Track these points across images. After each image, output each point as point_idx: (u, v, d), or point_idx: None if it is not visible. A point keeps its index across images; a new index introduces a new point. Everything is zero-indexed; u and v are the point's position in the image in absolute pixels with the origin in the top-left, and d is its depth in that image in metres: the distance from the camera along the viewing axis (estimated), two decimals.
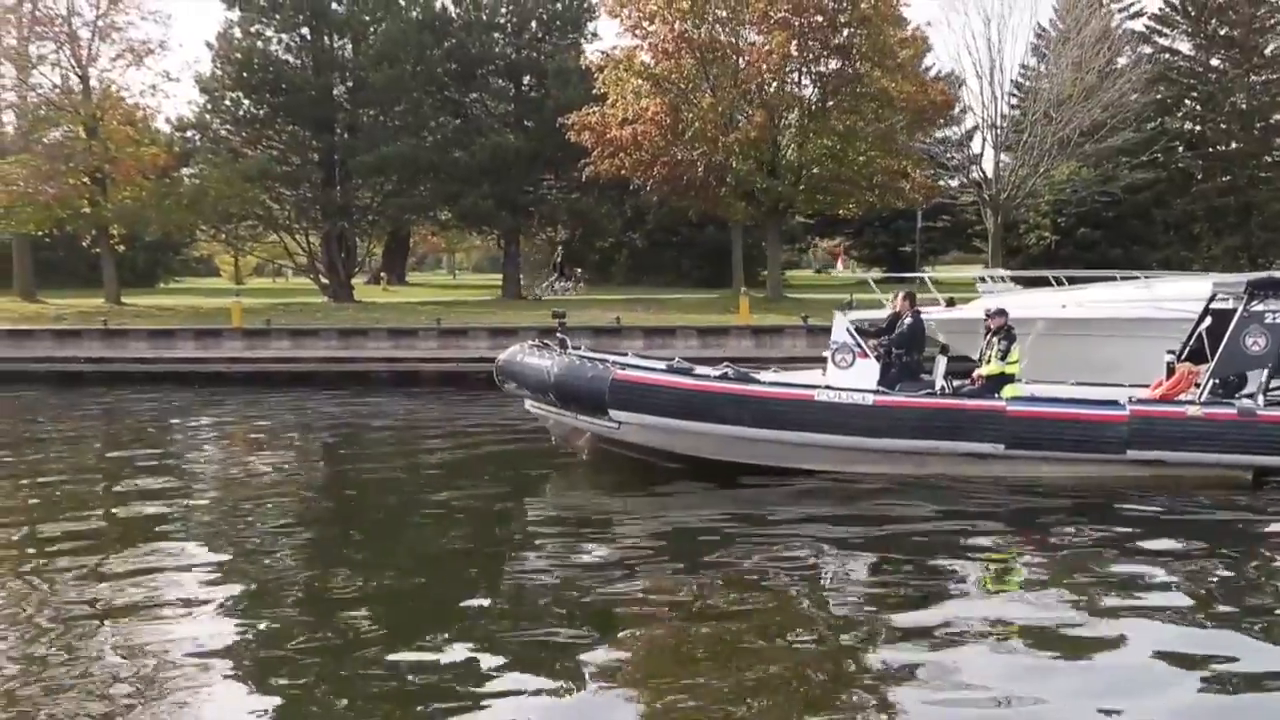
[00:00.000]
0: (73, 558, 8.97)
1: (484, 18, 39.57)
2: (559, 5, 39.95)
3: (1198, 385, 11.73)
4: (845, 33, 29.83)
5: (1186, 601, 7.83)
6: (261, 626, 7.28)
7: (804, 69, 31.22)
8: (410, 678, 6.38)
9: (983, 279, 23.37)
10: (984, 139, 37.19)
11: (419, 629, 7.16)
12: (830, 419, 11.10)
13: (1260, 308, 11.66)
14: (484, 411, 17.86)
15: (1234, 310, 12.00)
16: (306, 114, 35.62)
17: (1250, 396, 11.40)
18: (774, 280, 33.84)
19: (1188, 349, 12.76)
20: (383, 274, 52.42)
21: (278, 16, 35.75)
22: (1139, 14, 48.22)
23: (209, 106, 36.78)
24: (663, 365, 12.39)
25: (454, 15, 39.85)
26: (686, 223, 43.61)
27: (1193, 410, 11.16)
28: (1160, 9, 47.97)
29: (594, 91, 32.43)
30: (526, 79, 39.97)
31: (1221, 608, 7.75)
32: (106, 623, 7.31)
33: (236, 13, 36.14)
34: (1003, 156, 36.42)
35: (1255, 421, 11.04)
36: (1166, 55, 47.27)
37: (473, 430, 16.09)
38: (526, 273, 44.54)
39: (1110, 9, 43.22)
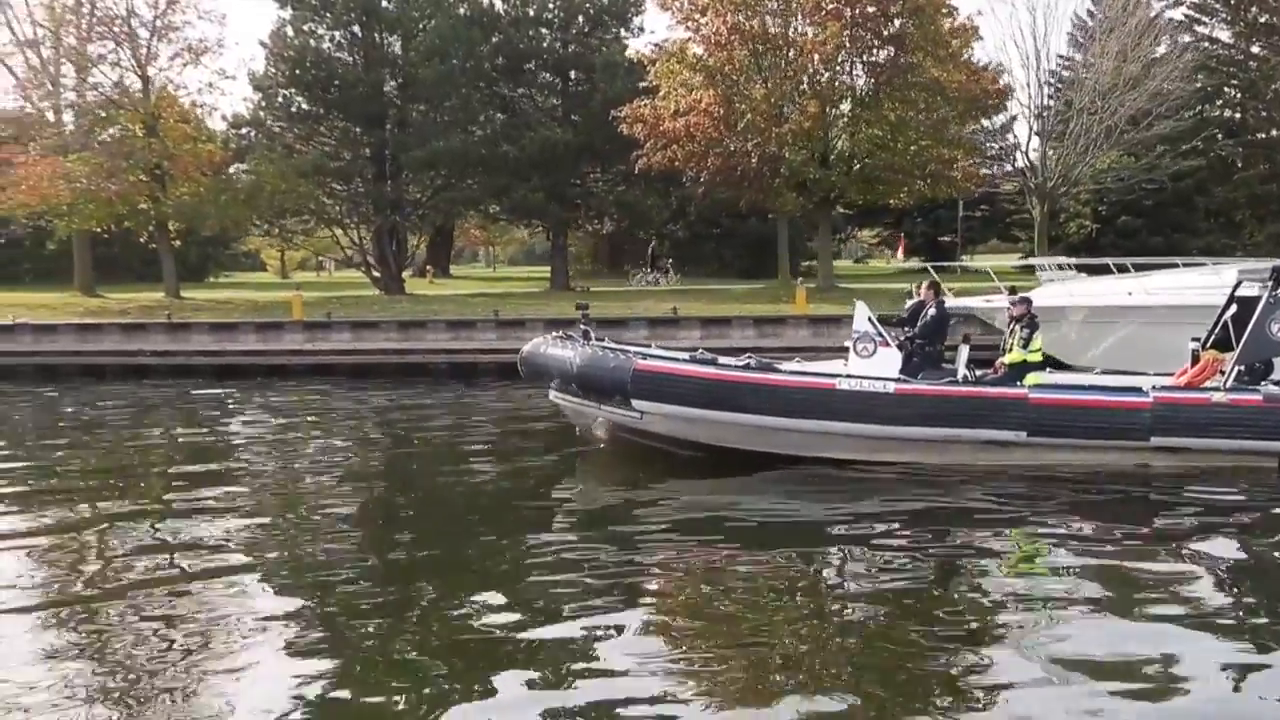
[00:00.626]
0: (148, 525, 9.63)
1: (531, 13, 40.07)
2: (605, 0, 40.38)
3: (1222, 372, 11.56)
4: (897, 23, 30.01)
5: (1213, 591, 7.79)
6: (319, 594, 7.67)
7: (856, 59, 31.46)
8: (460, 636, 6.79)
9: (1042, 267, 23.53)
10: (1030, 128, 37.42)
11: (464, 593, 7.56)
12: (852, 408, 11.07)
13: None
14: (546, 403, 17.98)
15: (1260, 297, 11.81)
16: (358, 110, 36.05)
17: (1276, 383, 11.27)
18: (825, 270, 34.05)
19: (1213, 336, 12.56)
20: (429, 266, 53.00)
21: (329, 14, 36.18)
22: (1179, 2, 48.22)
23: (263, 104, 37.34)
24: (684, 356, 12.39)
25: (501, 11, 40.33)
26: (728, 214, 43.77)
27: (1217, 397, 10.99)
28: None
29: (642, 85, 32.82)
30: (573, 73, 40.42)
31: (1248, 599, 7.67)
32: (165, 588, 7.75)
33: (289, 11, 36.67)
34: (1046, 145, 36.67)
35: None
36: (1206, 44, 47.23)
37: (527, 417, 16.18)
38: (573, 264, 44.71)
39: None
